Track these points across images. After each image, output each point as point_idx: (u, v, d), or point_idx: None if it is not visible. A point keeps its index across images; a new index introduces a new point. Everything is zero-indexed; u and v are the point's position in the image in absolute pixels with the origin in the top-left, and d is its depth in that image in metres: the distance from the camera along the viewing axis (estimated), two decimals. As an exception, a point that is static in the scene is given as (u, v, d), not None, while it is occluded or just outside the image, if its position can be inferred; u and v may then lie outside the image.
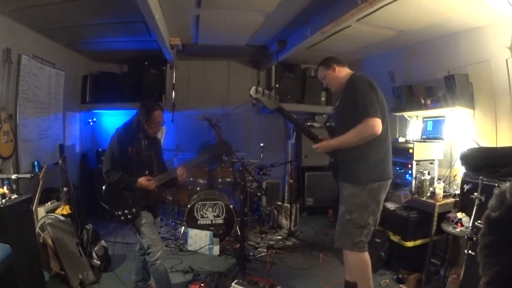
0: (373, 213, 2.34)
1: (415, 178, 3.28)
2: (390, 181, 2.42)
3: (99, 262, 3.22)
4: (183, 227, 4.22)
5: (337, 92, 2.56)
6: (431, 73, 3.81)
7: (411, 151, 3.32)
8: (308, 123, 5.33)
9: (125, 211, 2.51)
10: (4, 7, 3.00)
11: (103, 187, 2.56)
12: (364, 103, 2.20)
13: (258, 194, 4.83)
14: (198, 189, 4.46)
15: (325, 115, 5.42)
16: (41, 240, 2.91)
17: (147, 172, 2.62)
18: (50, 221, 3.06)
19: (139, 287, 2.85)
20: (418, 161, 3.31)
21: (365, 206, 2.30)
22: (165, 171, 2.75)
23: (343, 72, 2.49)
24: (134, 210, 2.53)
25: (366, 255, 2.38)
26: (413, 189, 3.29)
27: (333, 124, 2.53)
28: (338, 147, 2.38)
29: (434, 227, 2.96)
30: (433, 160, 3.40)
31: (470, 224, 2.37)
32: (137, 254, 2.84)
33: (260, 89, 2.37)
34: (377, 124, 2.19)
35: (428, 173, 3.23)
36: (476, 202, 2.33)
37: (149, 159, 2.68)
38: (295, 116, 2.68)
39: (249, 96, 2.42)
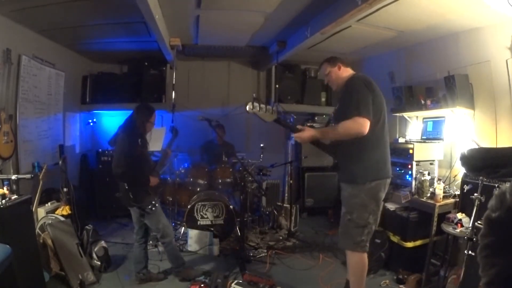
0: (373, 212, 2.36)
1: (415, 178, 3.29)
2: (389, 180, 2.44)
3: (99, 263, 3.22)
4: (183, 228, 4.21)
5: (338, 91, 2.60)
6: (431, 73, 3.81)
7: (411, 151, 3.32)
8: (308, 124, 5.31)
9: (152, 202, 2.85)
10: (4, 7, 3.00)
11: (129, 193, 2.78)
12: (357, 101, 2.21)
13: (258, 194, 4.83)
14: (198, 189, 4.45)
15: (325, 115, 5.42)
16: (41, 241, 2.91)
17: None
18: (50, 221, 3.06)
19: (144, 275, 3.00)
20: (418, 161, 3.32)
21: (364, 205, 2.32)
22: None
23: (346, 72, 2.53)
24: (156, 198, 2.92)
25: (365, 257, 2.41)
26: (413, 189, 3.29)
27: (332, 125, 2.55)
28: (320, 138, 2.40)
29: (434, 228, 2.97)
30: (433, 160, 3.40)
31: (470, 225, 2.37)
32: (137, 243, 3.01)
33: (256, 104, 2.32)
34: (365, 124, 2.18)
35: (428, 174, 3.23)
36: (476, 202, 2.33)
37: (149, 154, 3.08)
38: (291, 123, 2.74)
39: (246, 112, 2.32)
